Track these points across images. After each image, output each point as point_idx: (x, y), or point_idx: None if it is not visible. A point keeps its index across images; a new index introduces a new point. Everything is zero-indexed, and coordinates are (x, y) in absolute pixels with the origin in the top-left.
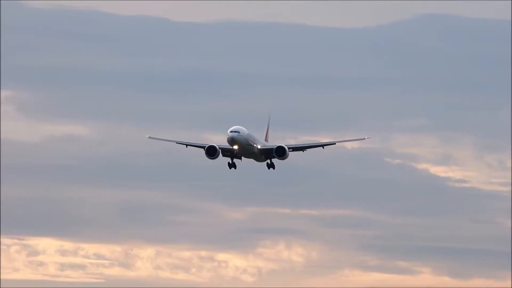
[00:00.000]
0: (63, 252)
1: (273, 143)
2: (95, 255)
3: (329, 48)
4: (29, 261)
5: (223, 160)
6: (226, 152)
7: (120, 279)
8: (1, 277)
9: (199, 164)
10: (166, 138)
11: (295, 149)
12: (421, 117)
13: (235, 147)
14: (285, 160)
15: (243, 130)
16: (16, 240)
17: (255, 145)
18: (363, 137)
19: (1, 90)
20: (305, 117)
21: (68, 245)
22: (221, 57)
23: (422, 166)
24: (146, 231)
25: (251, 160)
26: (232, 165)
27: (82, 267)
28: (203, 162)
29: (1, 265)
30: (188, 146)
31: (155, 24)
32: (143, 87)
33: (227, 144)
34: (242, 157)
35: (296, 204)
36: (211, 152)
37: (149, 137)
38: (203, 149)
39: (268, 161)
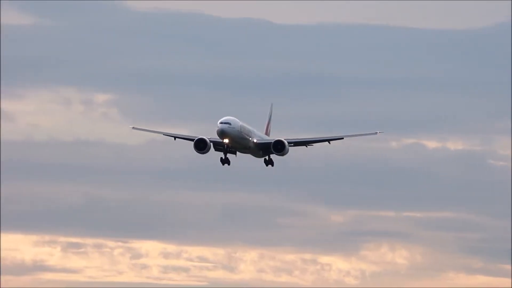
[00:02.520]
0: (166, 255)
1: (276, 137)
2: (198, 258)
3: (428, 50)
4: (132, 264)
5: (215, 155)
6: (218, 146)
7: (223, 282)
8: (106, 280)
9: (302, 166)
10: (152, 129)
11: (297, 143)
12: None
13: (226, 140)
14: (284, 156)
15: (235, 121)
16: (120, 243)
17: (250, 138)
18: (375, 132)
19: (104, 93)
20: (406, 120)
21: (171, 248)
22: (323, 59)
23: None
24: (249, 234)
25: (249, 156)
26: (225, 161)
27: (185, 270)
28: (305, 164)
29: (106, 268)
30: (176, 139)
31: (257, 27)
32: (245, 90)
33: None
34: (238, 152)
35: (399, 206)
36: (201, 146)
37: (133, 128)
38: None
39: (266, 157)
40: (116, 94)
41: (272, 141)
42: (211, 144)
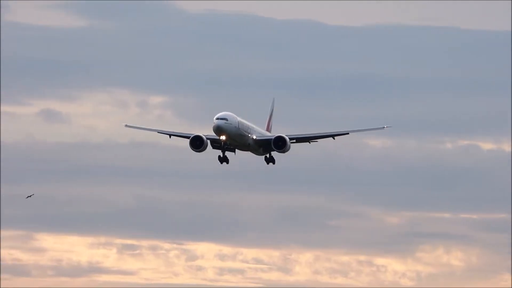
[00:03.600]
0: (222, 257)
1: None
2: (253, 259)
3: (484, 51)
4: (188, 266)
5: (213, 154)
6: (216, 144)
7: (278, 283)
8: (161, 282)
9: (358, 168)
10: (146, 127)
11: (299, 140)
12: None
13: (223, 137)
14: (285, 153)
15: (232, 116)
16: (175, 245)
17: (249, 135)
18: (382, 126)
19: (158, 96)
20: (462, 121)
21: (227, 249)
22: (374, 61)
23: None
24: (304, 235)
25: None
26: (223, 159)
27: (241, 271)
28: (361, 165)
29: (161, 269)
30: (171, 136)
31: (309, 28)
32: (297, 91)
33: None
34: (237, 150)
35: (455, 208)
36: (197, 143)
37: (126, 125)
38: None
39: (267, 154)
40: (171, 96)
41: (273, 138)
42: (208, 141)
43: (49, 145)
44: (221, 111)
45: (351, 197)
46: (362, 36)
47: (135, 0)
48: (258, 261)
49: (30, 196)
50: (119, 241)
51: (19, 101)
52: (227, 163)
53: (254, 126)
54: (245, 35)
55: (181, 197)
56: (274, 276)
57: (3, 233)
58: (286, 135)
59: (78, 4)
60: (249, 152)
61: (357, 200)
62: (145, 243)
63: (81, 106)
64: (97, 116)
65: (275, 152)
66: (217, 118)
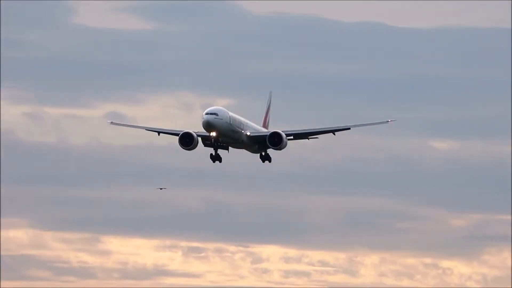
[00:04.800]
0: (287, 259)
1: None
2: (319, 262)
3: None
4: (253, 269)
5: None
6: (207, 141)
7: (344, 286)
8: (227, 285)
9: (424, 171)
10: (132, 124)
11: (297, 136)
12: None
13: (213, 134)
14: (282, 150)
15: (223, 111)
16: (241, 248)
17: (242, 131)
18: (386, 120)
19: (225, 98)
20: None
21: (292, 252)
22: (438, 63)
23: None
24: (370, 238)
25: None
26: (216, 158)
27: (306, 274)
28: (426, 168)
29: (227, 272)
30: (160, 134)
31: (375, 30)
32: (363, 94)
33: None
34: (230, 148)
35: None
36: (186, 141)
37: (111, 123)
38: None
39: (263, 152)
40: (237, 99)
41: (268, 134)
42: (199, 138)
43: (115, 148)
44: (286, 114)
45: (416, 199)
46: (429, 38)
47: (202, 1)
48: (323, 263)
49: (162, 189)
50: (184, 244)
51: (85, 104)
52: (220, 161)
53: (248, 121)
54: (312, 37)
55: (247, 199)
56: (340, 278)
57: (71, 235)
58: (282, 131)
59: (145, 7)
60: (244, 150)
61: (423, 203)
62: (210, 245)
63: (147, 109)
64: (163, 119)
65: (272, 149)
66: (207, 113)
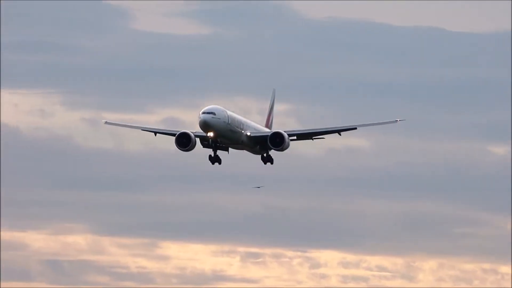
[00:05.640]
0: (345, 265)
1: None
2: (377, 267)
3: None
4: (311, 274)
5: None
6: (206, 142)
7: None
8: None
9: (481, 175)
10: (127, 124)
11: (300, 136)
12: None
13: (210, 134)
14: (284, 151)
15: (221, 110)
16: (298, 253)
17: (242, 131)
18: (395, 120)
19: (282, 103)
20: None
21: (350, 257)
22: (495, 66)
23: None
24: (428, 243)
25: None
26: (215, 159)
27: (364, 279)
28: (485, 172)
29: (284, 277)
30: (157, 134)
31: (429, 34)
32: (418, 98)
33: None
34: (230, 148)
35: None
36: (183, 141)
37: (106, 122)
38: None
39: (264, 153)
40: (294, 104)
41: (269, 134)
42: (197, 139)
43: (173, 153)
44: (346, 119)
45: (475, 204)
46: (487, 42)
47: (258, 6)
48: (381, 268)
49: (258, 187)
50: (242, 249)
51: (143, 109)
52: (219, 163)
53: (248, 121)
54: (368, 42)
55: (304, 204)
56: (398, 283)
57: (129, 241)
58: (284, 131)
59: (201, 12)
60: (244, 151)
61: (481, 207)
62: (268, 251)
63: None
64: None
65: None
66: (203, 112)
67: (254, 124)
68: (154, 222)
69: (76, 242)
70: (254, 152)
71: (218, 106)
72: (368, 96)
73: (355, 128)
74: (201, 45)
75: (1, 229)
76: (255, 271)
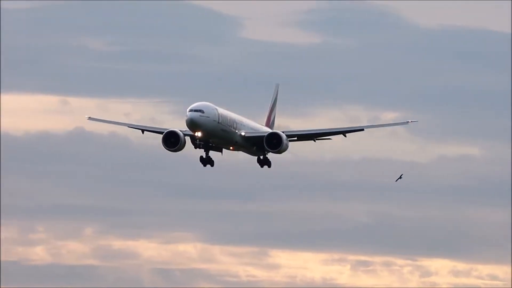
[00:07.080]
0: (456, 273)
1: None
2: (488, 276)
3: None
4: (422, 282)
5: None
6: (196, 141)
7: None
8: None
9: None
10: (112, 120)
11: (301, 137)
12: None
13: (198, 134)
14: (281, 154)
15: (211, 108)
16: (409, 261)
17: (236, 131)
18: (406, 121)
19: (392, 111)
20: None
21: (461, 266)
22: None
23: None
24: None
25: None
26: (206, 161)
27: None
28: None
29: (394, 285)
30: (144, 132)
31: None
32: None
33: None
34: (224, 149)
35: None
36: (171, 141)
37: (89, 118)
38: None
39: (261, 155)
40: (404, 112)
41: (266, 134)
42: (186, 138)
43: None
44: (456, 127)
45: None
46: None
47: (367, 15)
48: (493, 277)
49: (399, 178)
50: (352, 257)
51: (254, 119)
52: (212, 165)
53: (244, 119)
54: (478, 50)
55: (415, 213)
56: None
57: (239, 249)
58: (282, 131)
59: (312, 21)
60: (240, 152)
61: None
62: (378, 259)
63: (314, 123)
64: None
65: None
66: (190, 110)
67: (252, 123)
68: (264, 230)
69: (186, 250)
70: (251, 153)
71: (208, 103)
72: (481, 106)
73: (362, 129)
74: (311, 54)
75: (113, 237)
76: (365, 279)
